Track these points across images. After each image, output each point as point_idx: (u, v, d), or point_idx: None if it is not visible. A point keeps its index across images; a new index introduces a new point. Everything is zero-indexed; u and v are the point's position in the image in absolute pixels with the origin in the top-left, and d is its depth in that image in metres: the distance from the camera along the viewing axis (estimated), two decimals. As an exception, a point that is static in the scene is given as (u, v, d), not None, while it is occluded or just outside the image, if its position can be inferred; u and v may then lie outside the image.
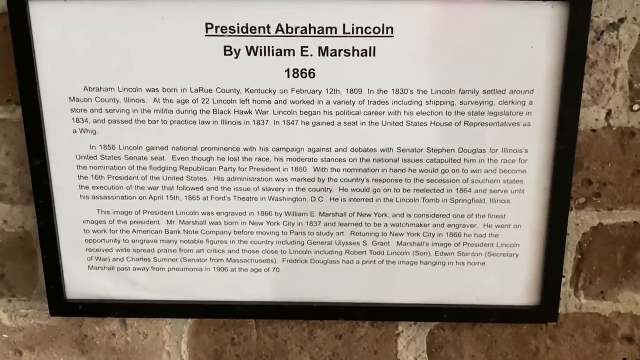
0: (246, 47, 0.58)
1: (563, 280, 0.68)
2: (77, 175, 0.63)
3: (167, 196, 0.64)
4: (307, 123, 0.60)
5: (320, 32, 0.58)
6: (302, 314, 0.68)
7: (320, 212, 0.64)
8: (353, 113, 0.60)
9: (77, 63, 0.59)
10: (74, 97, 0.60)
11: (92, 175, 0.63)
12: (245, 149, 0.62)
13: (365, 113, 0.60)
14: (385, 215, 0.64)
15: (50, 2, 0.57)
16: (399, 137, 0.61)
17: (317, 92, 0.60)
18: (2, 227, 0.68)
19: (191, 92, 0.60)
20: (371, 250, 0.65)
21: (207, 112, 0.60)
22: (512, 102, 0.60)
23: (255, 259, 0.66)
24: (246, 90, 0.60)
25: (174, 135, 0.61)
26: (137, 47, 0.59)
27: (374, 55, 0.58)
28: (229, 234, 0.65)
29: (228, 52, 0.59)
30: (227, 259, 0.66)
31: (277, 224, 0.64)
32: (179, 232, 0.65)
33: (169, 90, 0.60)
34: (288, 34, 0.58)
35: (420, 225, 0.64)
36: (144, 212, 0.64)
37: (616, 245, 0.67)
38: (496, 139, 0.61)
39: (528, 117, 0.60)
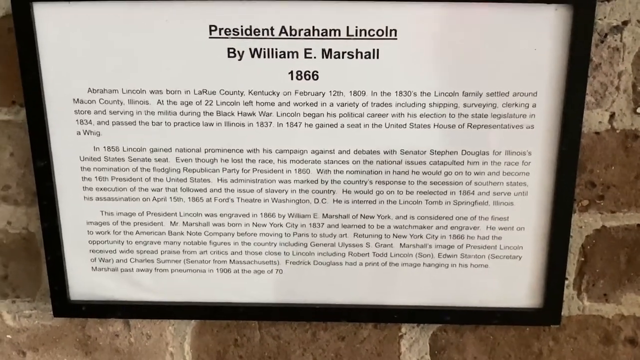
0: (250, 49, 0.58)
1: (566, 282, 0.67)
2: (81, 177, 0.63)
3: (170, 198, 0.64)
4: (310, 125, 0.61)
5: (324, 34, 0.58)
6: (305, 315, 0.68)
7: (323, 214, 0.64)
8: (356, 115, 0.60)
9: (81, 65, 0.59)
10: (77, 99, 0.61)
11: (96, 177, 0.63)
12: (248, 151, 0.62)
13: (369, 115, 0.60)
14: (389, 217, 0.64)
15: (55, 4, 0.58)
16: (402, 139, 0.61)
17: (321, 94, 0.60)
18: (6, 228, 0.68)
19: (195, 94, 0.60)
20: (374, 252, 0.65)
21: (211, 114, 0.60)
22: (516, 105, 0.59)
23: (258, 260, 0.66)
24: (250, 92, 0.60)
25: (177, 137, 0.61)
26: (141, 49, 0.59)
27: (378, 57, 0.58)
28: (232, 235, 0.65)
29: (232, 54, 0.59)
30: (230, 260, 0.66)
31: (281, 225, 0.64)
32: (182, 233, 0.65)
33: (172, 92, 0.60)
34: (292, 37, 0.58)
35: (424, 227, 0.64)
36: (147, 214, 0.64)
37: (619, 248, 0.67)
38: (499, 141, 0.61)
39: (531, 119, 0.60)
